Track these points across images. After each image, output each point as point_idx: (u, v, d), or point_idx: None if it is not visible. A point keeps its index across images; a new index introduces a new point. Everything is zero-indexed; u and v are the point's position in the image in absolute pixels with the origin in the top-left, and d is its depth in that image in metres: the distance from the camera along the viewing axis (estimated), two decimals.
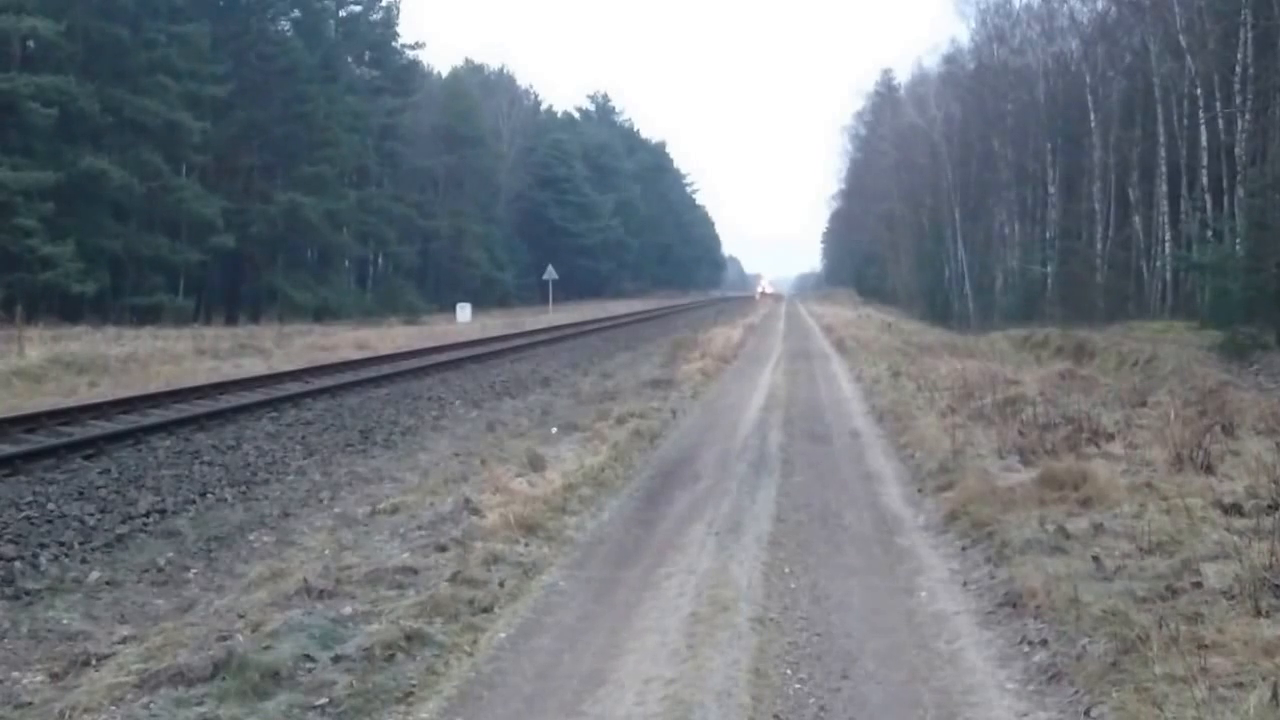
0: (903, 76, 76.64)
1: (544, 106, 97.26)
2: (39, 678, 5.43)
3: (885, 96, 79.16)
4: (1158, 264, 38.64)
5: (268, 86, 46.99)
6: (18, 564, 7.34)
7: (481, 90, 78.28)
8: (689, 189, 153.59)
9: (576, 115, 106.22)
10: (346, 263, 58.39)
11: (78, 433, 11.84)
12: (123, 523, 8.55)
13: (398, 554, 6.99)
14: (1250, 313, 24.49)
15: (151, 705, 4.59)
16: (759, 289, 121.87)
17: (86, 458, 10.81)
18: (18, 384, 16.67)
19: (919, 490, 9.54)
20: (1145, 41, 39.15)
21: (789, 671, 5.14)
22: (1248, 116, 31.66)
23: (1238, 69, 31.90)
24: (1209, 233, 33.02)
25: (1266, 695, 4.09)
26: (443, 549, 7.04)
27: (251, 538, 8.42)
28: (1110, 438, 10.58)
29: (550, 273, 52.11)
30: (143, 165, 38.19)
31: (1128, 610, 5.26)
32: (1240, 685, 4.30)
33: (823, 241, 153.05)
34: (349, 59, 56.94)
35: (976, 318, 49.78)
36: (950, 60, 58.76)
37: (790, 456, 11.16)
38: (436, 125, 65.26)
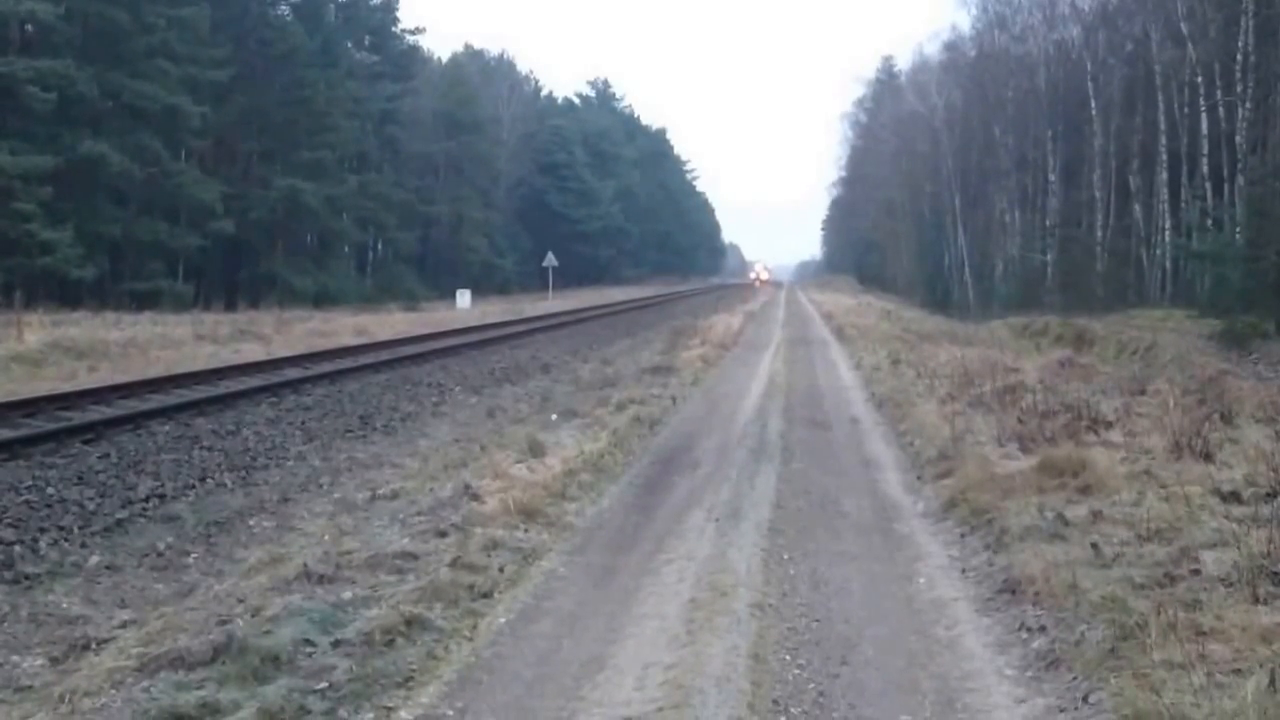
0: (903, 64, 76.73)
1: (544, 93, 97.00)
2: (39, 661, 5.44)
3: (886, 84, 79.12)
4: (1158, 252, 38.66)
5: (267, 71, 46.85)
6: (17, 548, 7.34)
7: (481, 76, 78.06)
8: (689, 176, 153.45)
9: (577, 101, 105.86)
10: (346, 249, 58.26)
11: (77, 417, 11.83)
12: (122, 507, 8.55)
13: (397, 539, 6.99)
14: (1250, 301, 24.53)
15: (151, 689, 4.60)
16: (754, 275, 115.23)
17: (86, 442, 10.80)
18: (17, 369, 16.66)
19: (918, 477, 9.56)
20: (1146, 29, 39.11)
21: (788, 657, 5.15)
22: (1248, 105, 31.65)
23: (1239, 57, 31.87)
24: (1209, 221, 33.06)
25: (1264, 681, 4.10)
26: (443, 534, 7.04)
27: (251, 523, 8.43)
28: (1109, 425, 10.58)
29: (550, 259, 52.07)
30: (142, 150, 38.05)
31: (1126, 597, 5.28)
32: (1238, 672, 4.32)
33: (823, 228, 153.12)
34: (349, 44, 56.67)
35: (976, 305, 49.80)
36: (951, 47, 58.75)
37: (790, 443, 11.17)
38: (436, 111, 65.07)
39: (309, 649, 5.01)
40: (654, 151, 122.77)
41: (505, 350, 23.27)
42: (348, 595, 5.80)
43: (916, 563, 6.88)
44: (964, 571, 6.60)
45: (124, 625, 5.90)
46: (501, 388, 16.92)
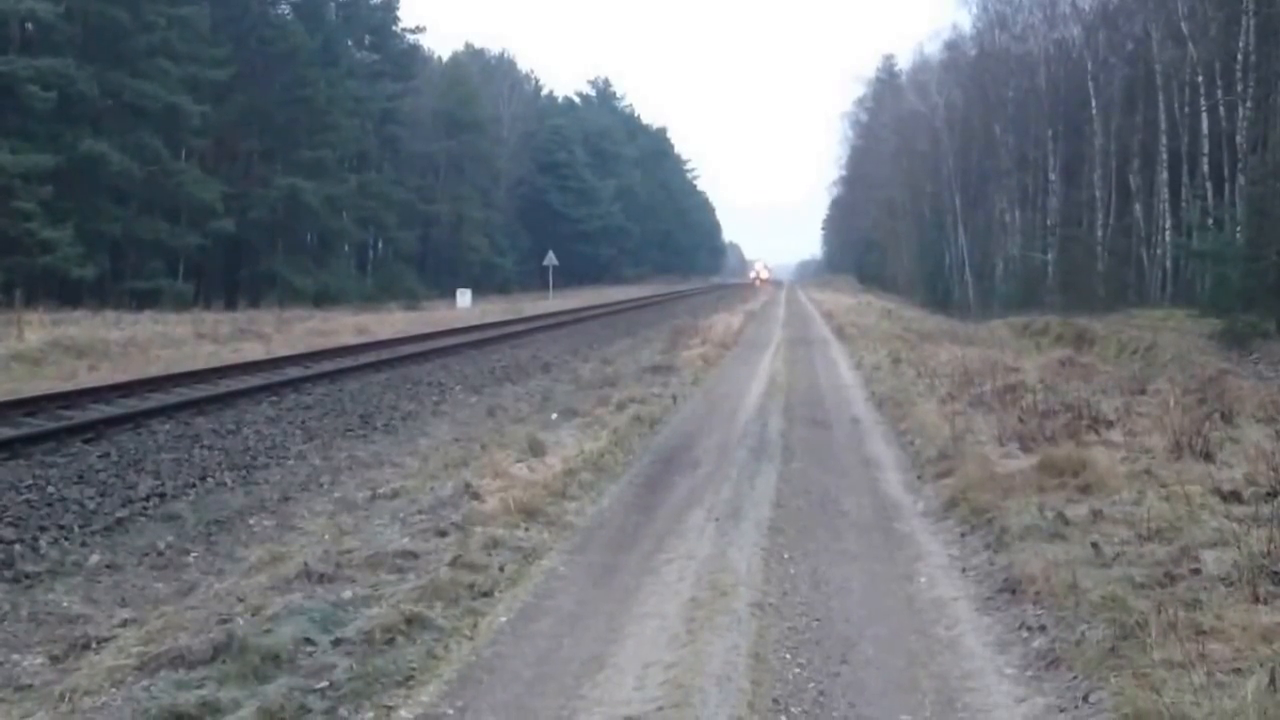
0: (904, 63, 76.84)
1: (545, 92, 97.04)
2: (39, 660, 5.44)
3: (886, 83, 79.18)
4: (1158, 252, 38.65)
5: (268, 70, 46.86)
6: (18, 547, 7.34)
7: (482, 75, 78.05)
8: (690, 175, 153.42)
9: (577, 100, 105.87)
10: (346, 248, 58.29)
11: (77, 416, 11.83)
12: (122, 506, 8.55)
13: (398, 538, 6.99)
14: (1250, 301, 24.51)
15: (152, 688, 4.60)
16: (753, 275, 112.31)
17: (86, 441, 10.80)
18: (17, 368, 16.67)
19: (919, 477, 9.55)
20: (1147, 28, 39.10)
21: (788, 656, 5.15)
22: (1249, 104, 31.64)
23: (1239, 56, 31.87)
24: (1209, 220, 33.03)
25: (1264, 681, 4.10)
26: (443, 533, 7.04)
27: (251, 522, 8.42)
28: (1110, 425, 10.58)
29: (550, 258, 52.08)
30: (142, 149, 38.09)
31: (1126, 596, 5.27)
32: (1238, 671, 4.32)
33: (823, 228, 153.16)
34: (349, 43, 56.71)
35: (977, 305, 49.80)
36: (952, 46, 58.76)
37: (790, 443, 11.16)
38: (437, 110, 65.09)
39: (309, 648, 5.01)
40: (654, 151, 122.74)
41: (505, 349, 23.26)
42: (348, 594, 5.80)
43: (917, 562, 6.88)
44: (964, 571, 6.60)
45: (124, 624, 5.89)
46: (502, 387, 16.92)
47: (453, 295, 46.71)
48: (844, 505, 8.43)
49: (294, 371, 17.01)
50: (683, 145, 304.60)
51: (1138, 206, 40.00)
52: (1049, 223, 46.58)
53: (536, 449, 9.90)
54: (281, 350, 20.78)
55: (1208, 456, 8.68)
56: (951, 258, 57.58)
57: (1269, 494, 7.06)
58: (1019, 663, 5.05)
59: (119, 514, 8.34)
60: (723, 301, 49.64)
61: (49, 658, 5.45)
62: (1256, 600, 5.10)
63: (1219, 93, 33.76)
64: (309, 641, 5.06)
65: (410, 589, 5.83)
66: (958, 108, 57.08)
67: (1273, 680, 4.09)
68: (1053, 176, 46.17)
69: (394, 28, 60.73)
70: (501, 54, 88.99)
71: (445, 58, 76.13)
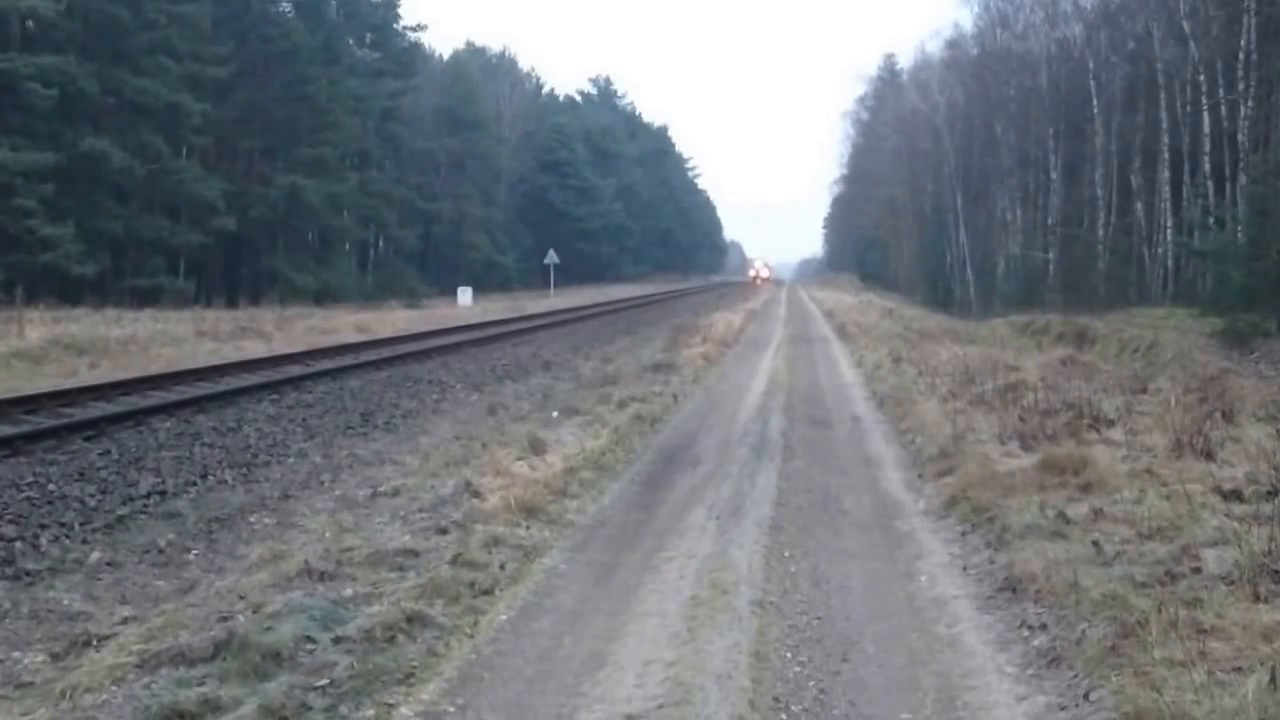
0: (905, 61, 76.78)
1: (546, 90, 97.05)
2: (40, 658, 5.43)
3: (888, 81, 79.11)
4: (1159, 251, 38.63)
5: (269, 68, 46.87)
6: (18, 544, 7.34)
7: (483, 73, 78.07)
8: (691, 174, 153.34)
9: (578, 99, 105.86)
10: (347, 246, 58.34)
11: (78, 414, 11.83)
12: (123, 504, 8.55)
13: (398, 536, 6.99)
14: (1251, 300, 24.46)
15: (152, 685, 4.60)
16: (753, 273, 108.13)
17: (87, 439, 10.80)
18: (18, 365, 16.67)
19: (919, 475, 9.55)
20: (1149, 27, 39.08)
21: (789, 654, 5.15)
22: (1250, 103, 31.63)
23: (1241, 55, 31.86)
24: (1211, 220, 33.00)
25: (1265, 679, 4.10)
26: (443, 531, 7.04)
27: (252, 519, 8.42)
28: (1111, 424, 10.58)
29: (551, 257, 52.11)
30: (143, 147, 38.12)
31: (1127, 595, 5.27)
32: (1239, 669, 4.31)
33: (824, 226, 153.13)
34: (350, 41, 56.72)
35: (978, 304, 49.79)
36: (953, 45, 58.72)
37: (791, 441, 11.16)
38: (438, 108, 65.14)
39: (310, 646, 5.01)
40: (655, 149, 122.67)
41: (506, 347, 23.26)
42: (349, 592, 5.80)
43: (917, 560, 6.88)
44: (965, 569, 6.60)
45: (125, 622, 5.89)
46: (503, 385, 16.92)
47: (454, 293, 46.70)
48: (845, 504, 8.43)
49: (295, 369, 17.01)
50: (684, 143, 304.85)
51: (1139, 205, 40.00)
52: (1050, 221, 46.57)
53: (537, 447, 9.89)
54: (282, 348, 20.78)
55: (1208, 455, 8.68)
56: (953, 256, 57.57)
57: (1270, 493, 7.05)
58: (1020, 661, 5.05)
59: (120, 511, 8.34)
60: (724, 300, 49.62)
61: (50, 655, 5.45)
62: (1257, 599, 5.10)
63: (1220, 91, 33.74)
64: (310, 639, 5.06)
65: (411, 587, 5.83)
66: (959, 106, 57.08)
67: (1273, 679, 4.09)
68: (1054, 175, 46.15)
69: (395, 26, 60.72)
70: (502, 52, 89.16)
71: (446, 56, 76.32)
